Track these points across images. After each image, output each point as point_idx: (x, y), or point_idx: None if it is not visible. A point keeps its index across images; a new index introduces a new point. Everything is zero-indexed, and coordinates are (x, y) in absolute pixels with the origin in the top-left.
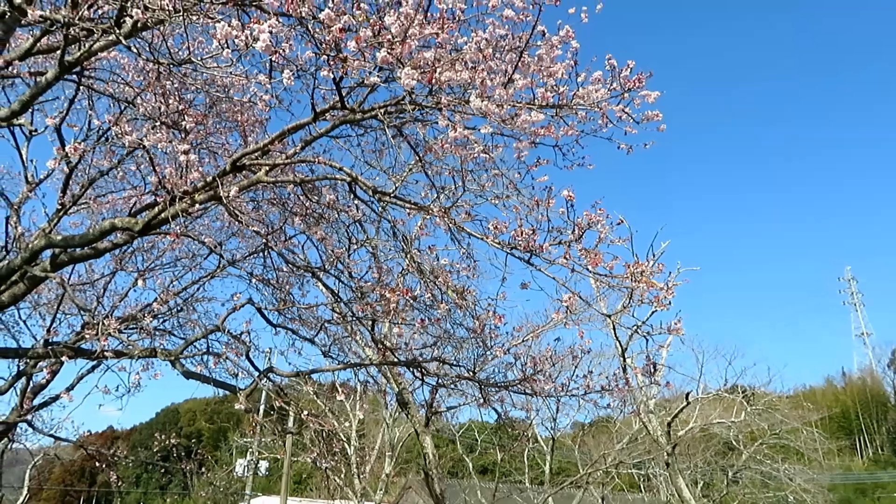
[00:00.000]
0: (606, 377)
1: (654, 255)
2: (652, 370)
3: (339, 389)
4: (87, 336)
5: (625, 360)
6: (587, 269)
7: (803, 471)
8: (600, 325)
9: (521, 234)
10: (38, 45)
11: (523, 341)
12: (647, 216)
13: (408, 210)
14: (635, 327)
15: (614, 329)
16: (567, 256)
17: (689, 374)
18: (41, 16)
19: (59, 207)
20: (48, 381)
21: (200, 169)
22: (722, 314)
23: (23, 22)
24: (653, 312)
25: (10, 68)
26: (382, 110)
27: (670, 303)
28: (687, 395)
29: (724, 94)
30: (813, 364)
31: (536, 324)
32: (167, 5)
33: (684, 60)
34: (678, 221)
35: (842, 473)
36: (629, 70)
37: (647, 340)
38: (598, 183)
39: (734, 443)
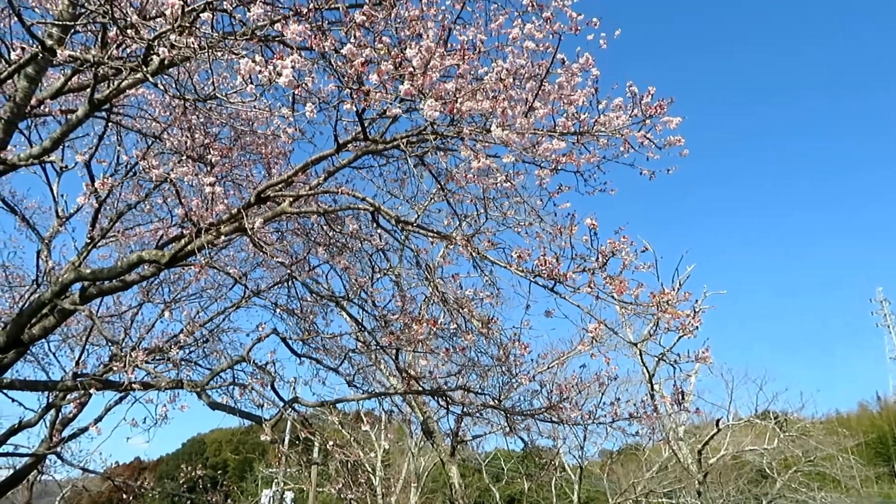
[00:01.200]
0: (634, 404)
1: (679, 281)
2: (680, 398)
3: (364, 419)
4: (115, 368)
5: (652, 387)
6: (612, 297)
7: (841, 499)
8: (627, 352)
9: (545, 263)
10: (69, 83)
11: (548, 368)
12: (672, 238)
13: (431, 239)
14: (661, 355)
15: (641, 356)
16: (591, 284)
17: (719, 400)
18: (71, 56)
19: (89, 241)
20: (76, 413)
21: (226, 201)
22: (750, 338)
23: (54, 62)
24: (679, 339)
25: (42, 107)
26: (404, 140)
27: (697, 328)
28: (717, 421)
29: (750, 115)
30: (846, 388)
31: (561, 350)
32: (193, 43)
33: (709, 79)
34: (704, 244)
35: (881, 501)
36: (650, 96)
37: (675, 368)
38: (621, 207)
39: (768, 470)
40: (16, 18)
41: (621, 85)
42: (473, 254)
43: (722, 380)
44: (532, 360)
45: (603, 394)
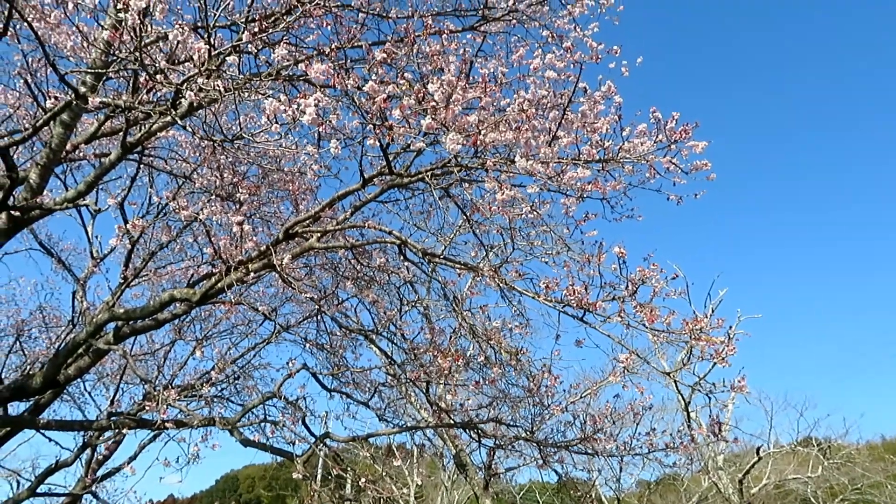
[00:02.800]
0: (670, 434)
1: (712, 307)
2: (718, 429)
3: (396, 453)
4: (148, 407)
5: (688, 416)
6: (643, 326)
7: None
8: (661, 381)
9: (574, 292)
10: (102, 128)
11: (581, 398)
12: (703, 262)
13: (458, 270)
14: (696, 384)
15: (676, 384)
16: (622, 313)
17: (759, 427)
18: (103, 102)
19: (122, 281)
20: (111, 453)
21: (254, 238)
22: (788, 362)
23: (87, 108)
24: (713, 366)
25: (76, 151)
26: (429, 173)
27: (732, 354)
28: (758, 449)
29: (779, 141)
30: (891, 412)
31: (594, 379)
32: (219, 85)
33: (737, 110)
34: (736, 267)
35: None
36: (674, 121)
37: (710, 398)
38: (648, 232)
39: (812, 500)
40: (51, 68)
41: (645, 111)
42: (501, 284)
43: (760, 406)
44: (564, 390)
45: (638, 424)
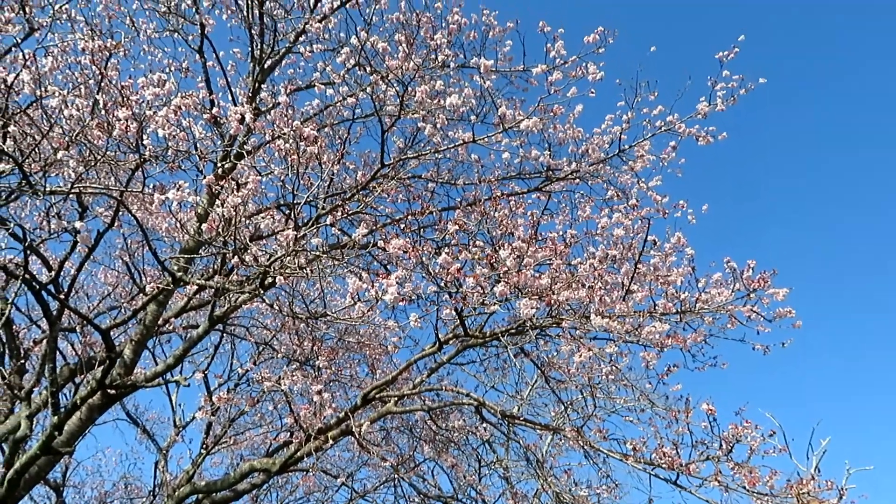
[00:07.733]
0: None
1: (815, 461)
2: None
3: None
4: None
5: None
6: (743, 489)
7: None
8: None
9: (664, 454)
10: (191, 302)
11: None
12: (799, 404)
13: (538, 431)
14: None
15: None
16: (718, 475)
17: None
18: (198, 285)
19: (203, 450)
20: None
21: (333, 405)
22: None
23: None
24: None
25: (166, 325)
26: (504, 333)
27: None
28: None
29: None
30: None
31: None
32: (303, 262)
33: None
34: (837, 409)
35: None
36: (751, 270)
37: None
38: (734, 375)
39: None
40: (149, 250)
41: (717, 257)
42: (585, 446)
43: None
44: None
45: None
